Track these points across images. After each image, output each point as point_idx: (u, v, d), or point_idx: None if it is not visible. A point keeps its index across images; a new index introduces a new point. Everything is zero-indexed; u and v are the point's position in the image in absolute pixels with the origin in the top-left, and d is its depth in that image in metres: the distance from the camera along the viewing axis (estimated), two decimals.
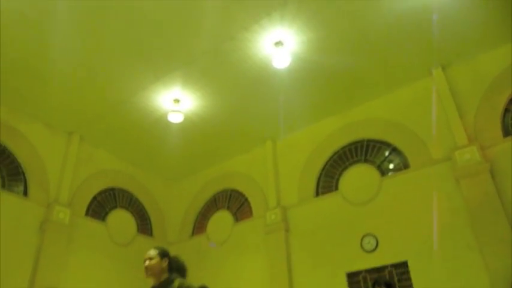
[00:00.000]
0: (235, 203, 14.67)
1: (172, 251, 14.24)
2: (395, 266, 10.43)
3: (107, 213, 13.58)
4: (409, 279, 10.11)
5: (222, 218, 14.62)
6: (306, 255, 11.91)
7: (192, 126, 12.97)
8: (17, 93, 11.24)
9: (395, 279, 10.34)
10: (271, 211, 13.05)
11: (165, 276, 3.15)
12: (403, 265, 10.31)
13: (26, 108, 11.85)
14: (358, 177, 12.00)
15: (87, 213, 12.92)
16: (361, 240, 11.08)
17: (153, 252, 3.24)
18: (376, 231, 10.93)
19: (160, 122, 12.55)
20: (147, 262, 3.20)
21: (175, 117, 11.91)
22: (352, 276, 11.02)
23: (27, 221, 11.18)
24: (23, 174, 11.71)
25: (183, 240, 15.08)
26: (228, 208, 14.74)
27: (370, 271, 10.70)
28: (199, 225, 15.22)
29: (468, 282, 9.21)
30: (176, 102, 11.85)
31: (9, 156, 11.53)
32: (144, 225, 14.78)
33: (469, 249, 9.44)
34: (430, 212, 10.27)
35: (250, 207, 14.11)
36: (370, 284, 10.54)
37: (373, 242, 10.90)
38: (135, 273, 11.83)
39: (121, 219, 13.91)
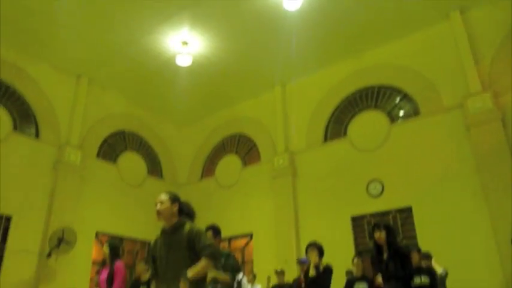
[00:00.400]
0: (243, 147, 14.81)
1: (182, 193, 14.55)
2: (400, 211, 10.65)
3: (117, 155, 13.83)
4: (413, 223, 10.35)
5: (230, 162, 14.84)
6: (312, 200, 12.17)
7: (201, 70, 12.80)
8: (24, 35, 11.08)
9: (399, 223, 10.60)
10: (279, 156, 13.18)
11: (175, 219, 3.24)
12: (408, 210, 10.52)
13: (34, 50, 11.73)
14: (367, 123, 11.96)
15: (98, 155, 13.17)
16: (367, 185, 11.24)
17: (164, 197, 3.34)
18: (383, 177, 11.06)
19: (168, 64, 12.38)
20: (159, 206, 3.30)
21: (184, 60, 11.73)
22: (356, 220, 11.30)
23: (40, 161, 11.45)
24: (34, 116, 11.83)
25: (192, 183, 15.43)
26: (237, 152, 14.91)
27: (374, 215, 10.95)
28: (208, 168, 15.49)
29: (471, 228, 9.41)
30: (184, 44, 11.62)
31: (19, 98, 11.59)
32: (154, 167, 15.08)
33: (474, 196, 9.55)
34: (437, 159, 10.31)
35: (258, 152, 14.25)
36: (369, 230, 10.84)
37: (379, 188, 11.07)
38: (146, 213, 12.20)
39: (131, 161, 14.18)
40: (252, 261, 12.84)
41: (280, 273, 9.09)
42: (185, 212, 3.38)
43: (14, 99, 11.47)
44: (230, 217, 13.57)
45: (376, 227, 4.16)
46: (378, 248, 4.15)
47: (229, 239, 13.76)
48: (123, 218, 12.87)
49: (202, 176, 15.50)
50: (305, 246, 5.18)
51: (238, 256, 13.38)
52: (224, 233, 14.27)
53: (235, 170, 14.46)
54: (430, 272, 5.88)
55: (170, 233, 3.25)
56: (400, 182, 10.72)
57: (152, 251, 3.42)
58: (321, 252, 4.98)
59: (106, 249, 5.19)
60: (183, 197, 13.37)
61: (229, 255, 4.63)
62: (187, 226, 3.22)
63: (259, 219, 12.97)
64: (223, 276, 4.34)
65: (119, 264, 4.93)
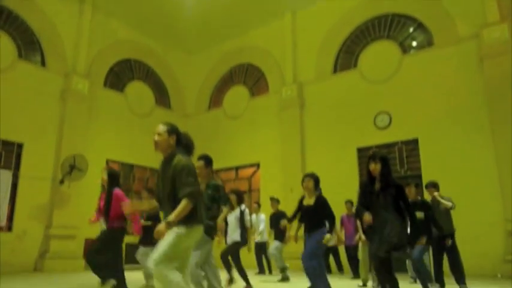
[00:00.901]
0: (251, 77, 14.63)
1: (190, 124, 14.72)
2: (406, 142, 10.70)
3: (124, 85, 13.76)
4: (418, 155, 10.45)
5: (238, 93, 14.74)
6: (319, 131, 12.22)
7: None
8: None
9: (405, 155, 10.70)
10: (287, 87, 13.05)
11: (170, 151, 3.20)
12: (414, 142, 10.56)
13: None
14: (378, 54, 11.64)
15: (105, 84, 13.11)
16: (375, 117, 11.21)
17: (161, 128, 3.29)
18: (391, 109, 10.99)
19: None
20: (156, 137, 3.27)
21: None
22: (362, 151, 11.41)
23: (48, 90, 11.44)
24: (38, 43, 11.63)
25: (200, 113, 15.47)
26: (244, 83, 14.76)
27: (380, 147, 11.03)
28: (216, 99, 15.43)
29: (475, 160, 9.49)
30: None
31: (22, 24, 11.32)
32: (162, 97, 15.05)
33: (481, 130, 9.52)
34: (448, 92, 10.15)
35: (266, 83, 14.10)
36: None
37: (387, 119, 11.03)
38: (152, 143, 12.37)
39: (139, 90, 14.13)
40: (258, 190, 13.22)
41: (275, 201, 9.09)
42: (183, 144, 3.32)
43: (17, 25, 11.21)
44: (238, 147, 13.76)
45: (371, 158, 4.05)
46: (371, 179, 4.09)
47: (237, 169, 14.06)
48: (132, 147, 13.09)
49: (210, 107, 15.50)
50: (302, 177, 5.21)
51: (245, 185, 13.76)
52: (231, 163, 14.58)
53: (243, 101, 14.41)
54: (425, 205, 5.94)
55: (165, 165, 3.25)
56: (408, 114, 10.66)
57: (157, 180, 3.46)
58: (316, 183, 5.00)
59: (104, 175, 5.21)
60: (191, 128, 13.55)
61: (217, 187, 4.56)
62: (176, 160, 3.17)
63: (266, 150, 13.14)
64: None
65: (117, 191, 4.93)
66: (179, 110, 15.39)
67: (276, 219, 8.50)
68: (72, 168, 10.95)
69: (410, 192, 6.10)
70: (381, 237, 3.85)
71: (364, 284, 6.87)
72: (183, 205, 3.02)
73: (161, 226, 2.98)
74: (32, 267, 10.39)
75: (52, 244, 10.64)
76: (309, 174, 5.10)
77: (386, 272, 3.83)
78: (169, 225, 2.99)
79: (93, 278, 4.38)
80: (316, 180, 5.04)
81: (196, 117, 15.35)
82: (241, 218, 6.45)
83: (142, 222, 6.22)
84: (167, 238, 3.01)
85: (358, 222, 7.22)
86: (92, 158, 11.52)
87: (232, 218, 6.37)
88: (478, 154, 9.50)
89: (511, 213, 8.81)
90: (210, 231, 4.47)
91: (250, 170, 13.84)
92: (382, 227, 3.89)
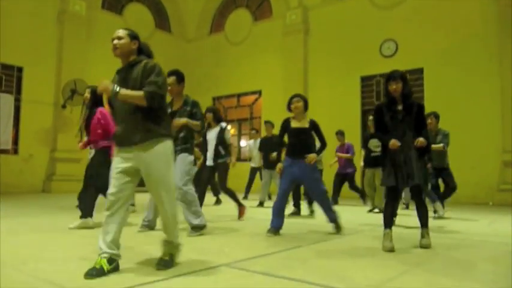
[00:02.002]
0: (254, 0, 14.05)
1: (191, 49, 14.39)
2: (411, 72, 10.51)
3: (123, 6, 13.27)
4: (422, 85, 10.34)
5: (240, 17, 14.23)
6: (322, 58, 11.97)
7: None
8: None
9: None
10: (291, 11, 12.56)
11: (133, 58, 2.94)
12: (419, 72, 10.40)
13: None
14: None
15: (103, 6, 12.63)
16: (381, 45, 10.93)
17: (122, 32, 3.02)
18: (398, 37, 10.68)
19: None
20: (116, 41, 3.00)
21: None
22: (366, 80, 11.28)
23: (44, 12, 11.07)
24: None
25: (201, 38, 15.06)
26: (247, 6, 14.19)
27: (385, 75, 10.85)
28: (218, 23, 14.94)
29: (479, 92, 9.41)
30: None
31: None
32: (162, 20, 14.56)
33: (489, 61, 9.33)
34: (459, 20, 9.78)
35: (270, 6, 13.56)
36: (382, 86, 10.90)
37: (393, 47, 10.77)
38: None
39: (138, 13, 13.64)
40: (260, 118, 13.25)
41: (269, 125, 8.50)
42: (145, 53, 3.05)
43: None
44: (239, 74, 13.57)
45: (391, 78, 3.82)
46: (392, 101, 3.89)
47: (238, 96, 13.99)
48: None
49: (211, 31, 15.05)
50: (289, 97, 4.89)
51: (247, 112, 13.78)
52: (233, 90, 14.44)
53: (245, 26, 13.96)
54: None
55: (126, 70, 2.97)
56: (415, 43, 10.37)
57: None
58: (306, 105, 4.76)
59: (87, 94, 4.91)
60: (192, 54, 13.31)
61: (196, 104, 4.41)
62: (144, 61, 2.89)
63: (269, 77, 12.98)
64: (195, 122, 4.24)
65: (102, 109, 4.73)
66: (179, 35, 14.97)
67: (266, 143, 8.06)
68: (74, 93, 10.91)
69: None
70: (412, 164, 3.67)
71: (380, 210, 6.74)
72: (138, 94, 2.70)
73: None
74: (40, 189, 10.77)
75: (58, 167, 10.94)
76: (298, 95, 4.79)
77: (421, 198, 3.74)
78: (117, 95, 2.70)
79: (100, 200, 4.47)
80: (306, 102, 4.70)
81: (197, 42, 14.97)
82: (220, 135, 5.90)
83: None
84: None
85: (363, 152, 7.26)
86: (92, 82, 11.36)
87: (212, 135, 5.88)
88: (483, 85, 9.40)
89: (510, 145, 8.93)
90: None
91: (252, 98, 13.79)
92: (408, 149, 3.72)
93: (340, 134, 8.36)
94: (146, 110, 2.73)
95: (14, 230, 4.15)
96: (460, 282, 2.41)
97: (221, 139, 5.85)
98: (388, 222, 3.62)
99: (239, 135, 13.97)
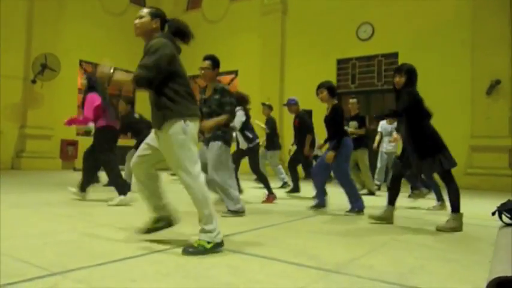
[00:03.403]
0: None
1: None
2: (386, 56, 10.65)
3: None
4: None
5: None
6: (300, 39, 11.94)
7: None
8: None
9: (383, 68, 10.72)
10: None
11: (155, 36, 2.72)
12: (394, 55, 10.52)
13: None
14: None
15: None
16: (358, 28, 10.98)
17: (144, 11, 2.86)
18: (374, 21, 10.74)
19: None
20: (137, 20, 2.83)
21: None
22: (342, 63, 11.36)
23: None
24: None
25: (177, 14, 14.72)
26: None
27: (360, 59, 10.98)
28: None
29: (451, 77, 9.62)
30: None
31: None
32: None
33: (461, 47, 9.52)
34: (434, 5, 9.91)
35: None
36: (357, 70, 11.02)
37: (369, 31, 10.84)
38: (129, 44, 11.88)
39: None
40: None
41: (267, 107, 8.16)
42: (173, 30, 2.86)
43: None
44: (216, 53, 13.12)
45: (396, 70, 3.89)
46: (396, 92, 3.96)
47: None
48: (106, 48, 12.54)
49: (188, 8, 14.77)
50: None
51: None
52: None
53: (223, 4, 13.75)
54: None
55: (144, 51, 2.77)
56: (391, 27, 10.46)
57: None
58: (331, 93, 4.64)
59: (84, 81, 5.16)
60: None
61: (226, 92, 4.35)
62: (154, 39, 2.71)
63: (245, 57, 12.89)
64: (220, 119, 4.10)
65: (90, 95, 4.91)
66: None
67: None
68: (44, 68, 10.58)
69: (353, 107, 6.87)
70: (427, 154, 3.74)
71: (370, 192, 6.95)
72: (126, 76, 2.64)
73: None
74: (10, 166, 10.49)
75: (28, 144, 10.66)
76: (322, 84, 4.67)
77: (452, 181, 3.77)
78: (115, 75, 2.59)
79: (71, 177, 4.45)
80: (330, 90, 4.60)
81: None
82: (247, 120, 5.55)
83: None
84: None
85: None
86: (64, 58, 11.09)
87: (238, 120, 5.28)
88: (455, 72, 9.60)
89: (478, 130, 9.22)
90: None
91: (228, 78, 13.68)
92: (408, 143, 3.91)
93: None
94: (159, 91, 2.65)
95: None
96: (423, 261, 2.52)
97: (243, 124, 5.46)
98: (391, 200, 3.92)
99: None
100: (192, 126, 2.63)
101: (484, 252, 2.80)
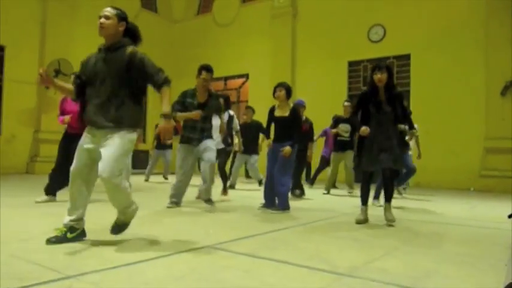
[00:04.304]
0: None
1: (177, 30, 14.18)
2: (398, 57, 10.58)
3: None
4: (409, 71, 10.41)
5: None
6: (310, 43, 11.92)
7: None
8: None
9: (395, 70, 10.64)
10: None
11: (118, 39, 2.88)
12: (406, 57, 10.45)
13: None
14: None
15: None
16: (369, 30, 10.93)
17: (111, 11, 2.94)
18: (386, 22, 10.69)
19: None
20: (103, 20, 2.93)
21: None
22: (353, 65, 11.31)
23: None
24: None
25: (188, 19, 14.84)
26: None
27: (372, 61, 10.92)
28: (205, 3, 14.72)
29: (465, 79, 9.51)
30: None
31: None
32: (148, 0, 14.29)
33: (475, 48, 9.42)
34: (447, 7, 9.82)
35: None
36: (369, 72, 10.94)
37: (381, 33, 10.78)
38: (139, 47, 12.00)
39: None
40: (247, 102, 13.20)
41: (250, 110, 8.31)
42: (131, 34, 2.98)
43: None
44: (227, 57, 13.45)
45: (377, 68, 3.95)
46: (374, 89, 4.00)
47: (225, 79, 13.90)
48: None
49: (198, 12, 14.85)
50: (274, 87, 4.99)
51: (234, 96, 13.71)
52: (220, 73, 14.32)
53: (233, 7, 13.80)
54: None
55: (107, 51, 2.94)
56: (403, 28, 10.40)
57: (82, 68, 3.09)
58: (288, 93, 4.81)
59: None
60: (178, 35, 13.09)
61: (219, 96, 4.79)
62: (130, 48, 2.85)
63: (256, 60, 12.90)
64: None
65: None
66: (166, 15, 14.73)
67: (245, 129, 7.62)
68: (58, 73, 10.71)
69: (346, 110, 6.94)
70: (390, 150, 3.92)
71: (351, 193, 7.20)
72: (168, 92, 2.80)
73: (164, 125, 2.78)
74: (24, 170, 10.64)
75: (42, 148, 10.80)
76: (281, 84, 4.90)
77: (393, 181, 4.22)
78: (167, 117, 2.74)
79: None
80: (288, 91, 4.83)
81: (184, 23, 14.76)
82: (230, 122, 6.30)
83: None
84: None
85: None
86: (76, 63, 11.17)
87: (218, 122, 5.62)
88: (469, 73, 9.50)
89: (493, 132, 9.09)
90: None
91: (239, 81, 13.72)
92: (387, 138, 3.95)
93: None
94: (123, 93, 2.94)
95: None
96: (438, 265, 2.49)
97: (230, 127, 6.33)
98: (364, 200, 4.11)
99: None
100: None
101: (500, 255, 2.75)
